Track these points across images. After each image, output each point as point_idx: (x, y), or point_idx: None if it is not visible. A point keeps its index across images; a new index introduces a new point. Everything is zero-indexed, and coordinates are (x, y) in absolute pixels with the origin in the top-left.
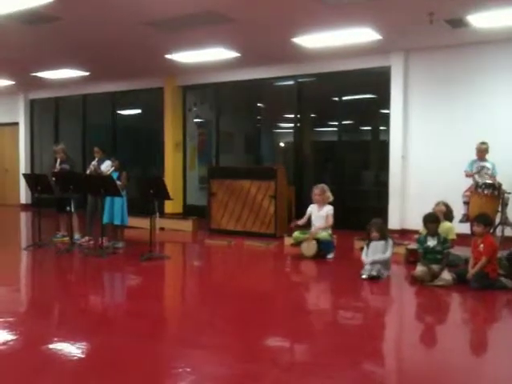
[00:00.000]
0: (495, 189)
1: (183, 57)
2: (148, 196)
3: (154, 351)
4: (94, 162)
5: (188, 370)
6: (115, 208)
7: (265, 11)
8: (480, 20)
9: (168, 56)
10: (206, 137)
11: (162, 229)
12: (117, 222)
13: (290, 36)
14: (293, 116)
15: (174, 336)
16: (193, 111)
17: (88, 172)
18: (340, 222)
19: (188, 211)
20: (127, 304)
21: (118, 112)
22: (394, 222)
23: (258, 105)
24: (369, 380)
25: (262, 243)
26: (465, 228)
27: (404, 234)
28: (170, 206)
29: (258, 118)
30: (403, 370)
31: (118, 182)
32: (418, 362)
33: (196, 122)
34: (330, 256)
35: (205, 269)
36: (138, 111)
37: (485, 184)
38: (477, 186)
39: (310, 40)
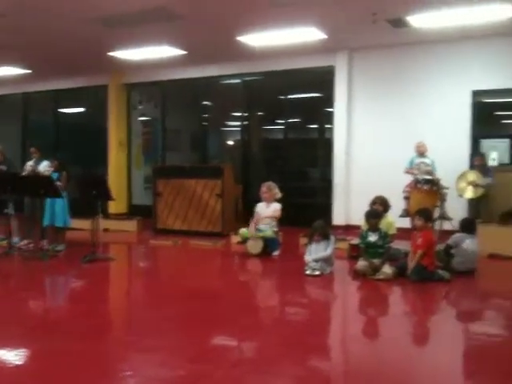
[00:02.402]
0: (434, 184)
1: (128, 54)
2: (90, 197)
3: (96, 355)
4: (31, 163)
5: (130, 373)
6: (56, 210)
7: (211, 9)
8: (419, 20)
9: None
10: (151, 135)
11: (105, 230)
12: (59, 224)
13: (235, 34)
14: (240, 114)
15: (117, 339)
16: (138, 109)
17: (25, 173)
18: (286, 219)
19: (133, 211)
20: (69, 307)
21: (61, 110)
22: (338, 218)
23: (205, 103)
24: (314, 374)
25: (208, 242)
26: (405, 222)
27: (348, 229)
28: (114, 207)
29: (205, 116)
30: (347, 363)
31: (59, 183)
32: (362, 354)
33: (141, 121)
34: (276, 253)
35: (150, 270)
36: (82, 109)
37: (424, 180)
38: (416, 181)
39: (255, 39)
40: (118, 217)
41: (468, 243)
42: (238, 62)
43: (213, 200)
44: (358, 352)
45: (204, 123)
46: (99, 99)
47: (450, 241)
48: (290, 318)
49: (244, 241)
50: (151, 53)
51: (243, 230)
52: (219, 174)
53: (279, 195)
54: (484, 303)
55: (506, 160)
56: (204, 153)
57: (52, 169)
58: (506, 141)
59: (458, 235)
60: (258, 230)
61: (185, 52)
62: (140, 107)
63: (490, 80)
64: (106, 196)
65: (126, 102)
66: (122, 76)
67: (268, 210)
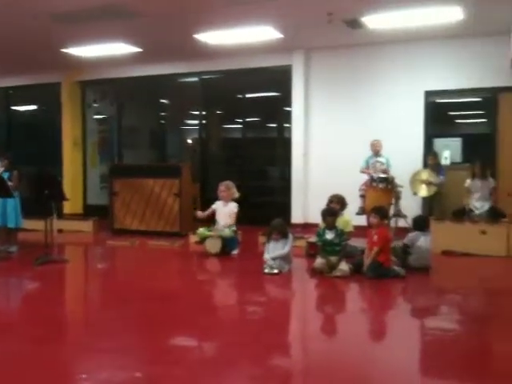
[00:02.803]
0: (389, 183)
1: (82, 51)
2: (42, 196)
3: (50, 357)
4: None
5: (84, 375)
6: (8, 210)
7: (166, 7)
8: (374, 22)
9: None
10: (107, 134)
11: (60, 230)
12: (11, 224)
13: (192, 32)
14: (198, 113)
15: (72, 341)
16: (93, 107)
17: None
18: (246, 218)
19: (89, 211)
20: (22, 309)
21: (14, 108)
22: (297, 217)
23: (163, 101)
24: (274, 373)
25: (166, 242)
26: (362, 220)
27: (307, 227)
28: (69, 206)
29: (163, 114)
30: (306, 361)
31: (10, 183)
32: (321, 352)
33: (97, 119)
34: (235, 252)
35: (106, 271)
36: (35, 107)
37: (379, 178)
38: (372, 180)
39: (213, 37)
40: (73, 217)
41: (422, 241)
42: (195, 60)
43: (171, 199)
44: (316, 349)
45: (162, 121)
46: (53, 97)
47: (407, 240)
48: (249, 317)
49: (202, 240)
50: (106, 50)
51: (201, 230)
52: (177, 173)
53: (237, 195)
54: (438, 299)
55: (458, 159)
56: (162, 151)
57: (3, 168)
58: (458, 140)
59: (413, 234)
60: (215, 229)
61: (140, 49)
62: (95, 105)
63: (443, 81)
64: (59, 196)
65: (80, 100)
66: (76, 73)
67: (225, 210)
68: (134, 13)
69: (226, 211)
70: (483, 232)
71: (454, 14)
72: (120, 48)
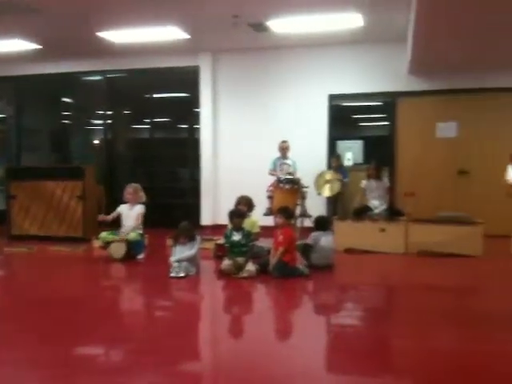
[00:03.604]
0: (295, 184)
1: None
2: None
3: None
4: None
5: None
6: None
7: (67, 3)
8: (279, 26)
9: None
10: (5, 135)
11: None
12: None
13: (95, 30)
14: (103, 112)
15: None
16: None
17: None
18: (153, 221)
19: None
20: None
21: None
22: (206, 218)
23: (66, 100)
24: (181, 378)
25: (68, 247)
26: (269, 221)
27: (216, 229)
28: None
29: (66, 114)
30: (215, 364)
31: None
32: (229, 354)
33: None
34: (141, 256)
35: (3, 279)
36: None
37: (285, 179)
38: (279, 181)
39: (117, 35)
40: None
41: (323, 240)
42: (99, 59)
43: (73, 202)
44: (225, 351)
45: (65, 122)
46: None
47: (310, 240)
48: (154, 323)
49: (106, 245)
50: (1, 46)
51: (104, 234)
52: (80, 175)
53: (144, 198)
54: (341, 295)
55: (360, 160)
56: (66, 153)
57: None
58: (360, 142)
59: (315, 234)
60: (121, 233)
61: (40, 46)
62: None
63: (346, 85)
64: None
65: None
66: None
67: (131, 213)
68: (32, 8)
69: (131, 214)
70: (382, 230)
71: (355, 21)
72: (17, 44)
